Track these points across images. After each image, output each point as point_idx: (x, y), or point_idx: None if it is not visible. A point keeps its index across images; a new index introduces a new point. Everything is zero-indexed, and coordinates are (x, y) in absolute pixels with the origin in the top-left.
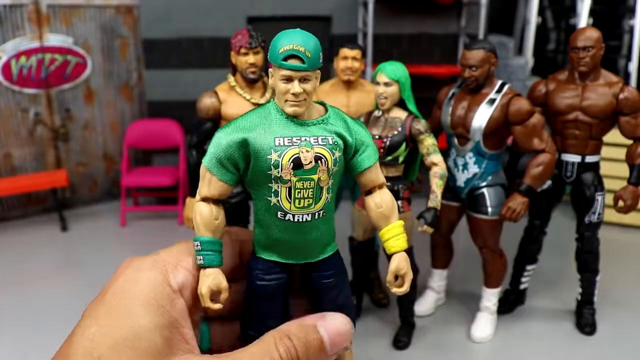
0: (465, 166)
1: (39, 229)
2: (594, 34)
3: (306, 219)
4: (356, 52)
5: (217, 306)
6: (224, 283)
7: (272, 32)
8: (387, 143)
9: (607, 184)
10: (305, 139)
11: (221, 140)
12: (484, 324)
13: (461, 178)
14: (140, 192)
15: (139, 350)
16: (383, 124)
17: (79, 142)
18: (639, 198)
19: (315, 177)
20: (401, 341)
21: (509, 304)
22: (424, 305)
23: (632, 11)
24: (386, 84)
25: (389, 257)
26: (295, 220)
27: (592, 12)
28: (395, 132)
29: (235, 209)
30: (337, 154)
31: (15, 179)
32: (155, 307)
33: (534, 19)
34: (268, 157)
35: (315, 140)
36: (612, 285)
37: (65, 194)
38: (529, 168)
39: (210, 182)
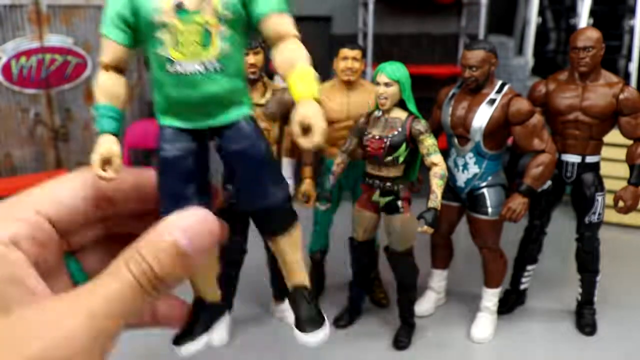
0: (465, 166)
1: None
2: (594, 34)
3: (198, 70)
4: (356, 53)
5: (108, 175)
6: (114, 148)
7: None
8: (388, 143)
9: (607, 184)
10: None
11: (109, 2)
12: (484, 324)
13: (461, 178)
14: None
15: None
16: (383, 124)
17: (79, 143)
18: (639, 198)
19: (201, 19)
20: (401, 341)
21: (509, 304)
22: (424, 306)
23: (632, 11)
24: (386, 84)
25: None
26: (185, 71)
27: (593, 12)
28: (396, 133)
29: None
30: None
31: (15, 179)
32: None
33: (534, 19)
34: (150, 1)
35: None
36: (613, 285)
37: None
38: (529, 168)
39: (108, 47)
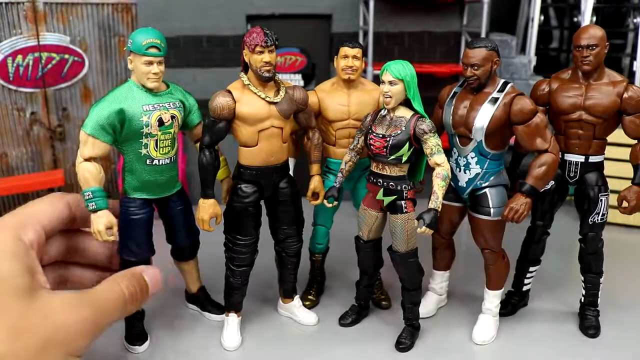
0: (467, 166)
1: None
2: (598, 32)
3: (166, 162)
4: (357, 51)
5: (112, 238)
6: (114, 220)
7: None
8: (390, 142)
9: (611, 184)
10: (162, 105)
11: (103, 111)
12: (486, 326)
13: (463, 178)
14: None
15: (7, 290)
16: (388, 123)
17: (76, 142)
18: None
19: (172, 130)
20: (403, 343)
21: (512, 305)
22: (425, 307)
23: (636, 9)
24: (390, 83)
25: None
26: (160, 164)
27: (596, 10)
28: (399, 132)
29: (248, 209)
30: (182, 113)
31: (12, 179)
32: (13, 258)
33: (537, 17)
34: (140, 119)
35: (169, 105)
36: (617, 286)
37: None
38: (531, 168)
39: (95, 145)
